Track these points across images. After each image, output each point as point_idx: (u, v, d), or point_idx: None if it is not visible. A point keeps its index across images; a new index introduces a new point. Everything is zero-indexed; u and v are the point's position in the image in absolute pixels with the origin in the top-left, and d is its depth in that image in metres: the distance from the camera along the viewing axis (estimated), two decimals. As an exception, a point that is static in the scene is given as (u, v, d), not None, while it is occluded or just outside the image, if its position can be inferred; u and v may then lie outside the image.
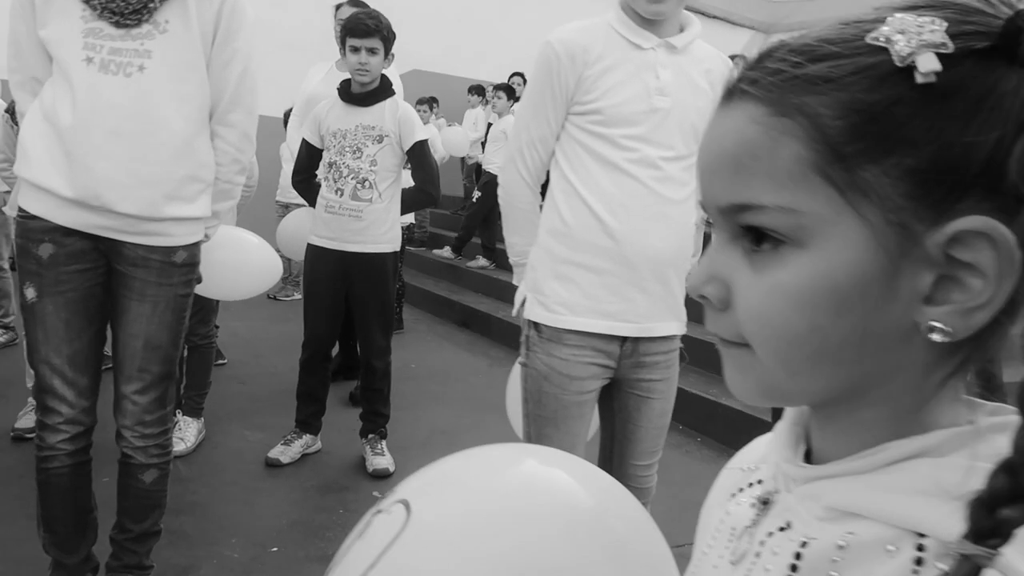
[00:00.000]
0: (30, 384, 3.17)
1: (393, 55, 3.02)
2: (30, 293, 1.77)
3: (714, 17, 11.73)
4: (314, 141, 3.04)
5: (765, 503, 0.52)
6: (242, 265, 2.02)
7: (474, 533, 0.57)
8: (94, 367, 1.86)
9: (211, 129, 1.85)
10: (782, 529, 0.49)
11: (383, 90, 2.98)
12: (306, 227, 3.13)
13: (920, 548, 0.41)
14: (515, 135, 1.69)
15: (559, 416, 1.66)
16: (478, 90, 8.51)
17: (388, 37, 2.94)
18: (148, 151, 1.71)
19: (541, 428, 1.69)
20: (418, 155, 3.00)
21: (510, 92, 7.19)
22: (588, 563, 0.59)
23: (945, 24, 0.40)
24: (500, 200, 1.75)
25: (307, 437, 3.20)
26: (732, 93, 0.45)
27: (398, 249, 3.12)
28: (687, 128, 1.58)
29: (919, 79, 0.39)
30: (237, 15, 1.81)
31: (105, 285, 1.82)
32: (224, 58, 1.81)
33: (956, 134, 0.39)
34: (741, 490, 0.59)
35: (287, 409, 3.31)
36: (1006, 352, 0.43)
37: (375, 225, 2.98)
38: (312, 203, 3.13)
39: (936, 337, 0.41)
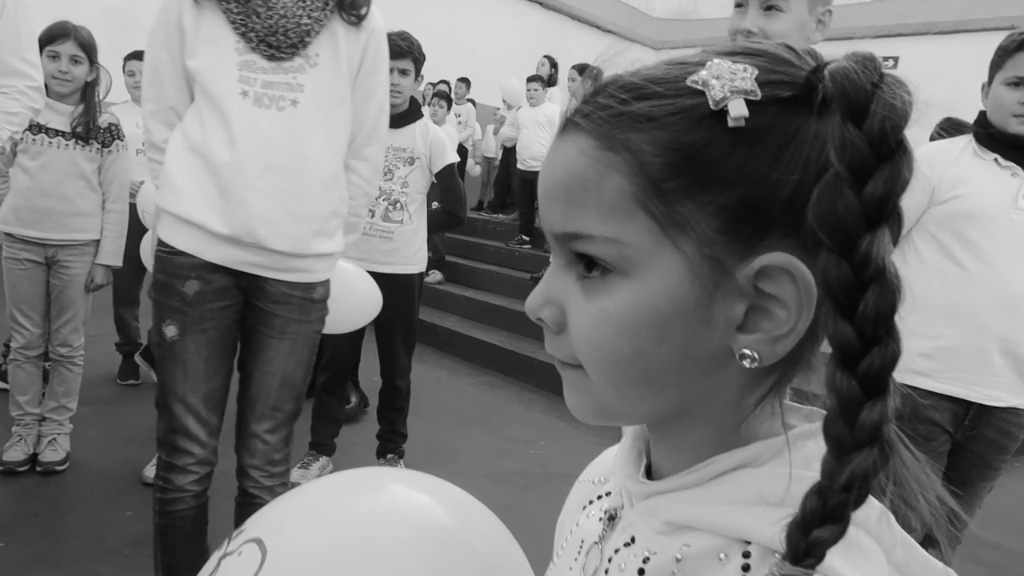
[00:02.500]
0: (15, 413, 2.95)
1: (422, 76, 3.05)
2: (171, 331, 1.70)
3: (608, 31, 12.21)
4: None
5: (612, 519, 0.55)
6: (348, 297, 2.00)
7: (337, 567, 0.55)
8: (223, 406, 1.81)
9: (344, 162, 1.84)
10: (627, 545, 0.51)
11: (413, 112, 3.00)
12: None
13: (746, 555, 0.44)
14: None
15: None
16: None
17: (419, 58, 2.97)
18: (300, 186, 1.69)
19: None
20: (447, 178, 3.04)
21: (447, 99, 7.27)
22: None
23: (756, 72, 0.43)
24: None
25: (323, 459, 3.16)
26: (567, 125, 0.48)
27: (424, 270, 3.14)
28: None
29: (730, 123, 0.42)
30: (382, 49, 1.81)
31: (240, 322, 1.78)
32: (366, 91, 1.80)
33: (761, 176, 0.42)
34: (591, 502, 0.62)
35: (298, 431, 3.24)
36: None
37: (405, 246, 2.99)
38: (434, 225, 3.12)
39: (747, 363, 0.44)
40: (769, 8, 1.55)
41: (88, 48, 2.82)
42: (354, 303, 2.29)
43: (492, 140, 8.67)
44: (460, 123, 8.40)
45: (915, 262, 1.94)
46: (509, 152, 7.93)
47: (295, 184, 1.68)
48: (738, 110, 0.42)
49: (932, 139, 4.71)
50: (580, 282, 0.47)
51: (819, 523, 0.38)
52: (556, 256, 0.49)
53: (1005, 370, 1.85)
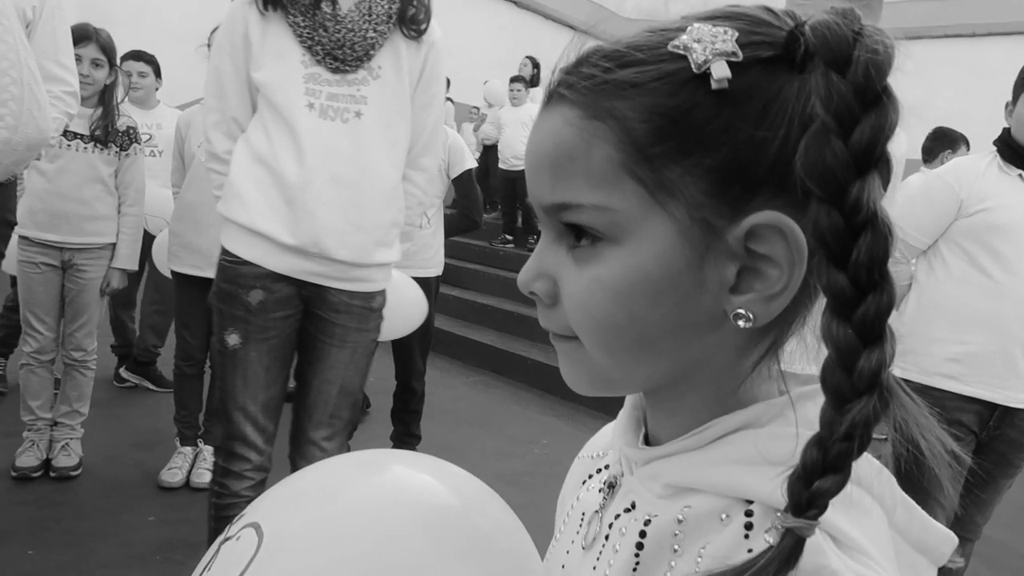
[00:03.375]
0: (26, 418, 2.91)
1: (448, 81, 3.08)
2: (233, 339, 1.72)
3: (578, 31, 12.28)
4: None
5: (612, 487, 0.55)
6: (397, 304, 2.02)
7: (330, 542, 0.55)
8: (280, 413, 1.83)
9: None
10: (627, 510, 0.52)
11: (432, 118, 3.02)
12: None
13: (748, 514, 0.44)
14: None
15: None
16: None
17: None
18: (363, 197, 1.72)
19: None
20: (465, 183, 3.07)
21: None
22: (451, 559, 0.58)
23: (736, 34, 0.43)
24: None
25: (339, 461, 3.17)
26: (551, 96, 0.48)
27: (440, 273, 3.17)
28: None
29: (713, 85, 0.42)
30: (440, 62, 1.84)
31: (299, 331, 1.80)
32: (423, 102, 1.83)
33: (747, 136, 0.42)
34: (591, 476, 0.62)
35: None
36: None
37: (423, 250, 3.02)
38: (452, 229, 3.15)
39: (741, 323, 0.44)
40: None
41: (109, 51, 2.79)
42: (402, 310, 2.32)
43: (472, 138, 8.68)
44: (440, 122, 8.38)
45: (942, 272, 2.04)
46: (488, 150, 7.96)
47: (359, 195, 1.71)
48: (721, 72, 0.42)
49: (923, 148, 4.88)
50: (571, 252, 0.47)
51: (820, 473, 0.38)
52: (546, 228, 0.49)
53: (1028, 374, 1.96)
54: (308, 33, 1.66)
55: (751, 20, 0.44)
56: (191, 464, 3.02)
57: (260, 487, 1.82)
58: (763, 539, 0.42)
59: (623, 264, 0.45)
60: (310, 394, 1.82)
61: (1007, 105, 2.01)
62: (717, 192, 0.43)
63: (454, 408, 4.45)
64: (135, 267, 3.02)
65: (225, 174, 1.77)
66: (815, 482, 0.38)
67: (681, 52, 0.43)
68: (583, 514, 0.58)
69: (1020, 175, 1.97)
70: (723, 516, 0.46)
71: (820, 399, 0.44)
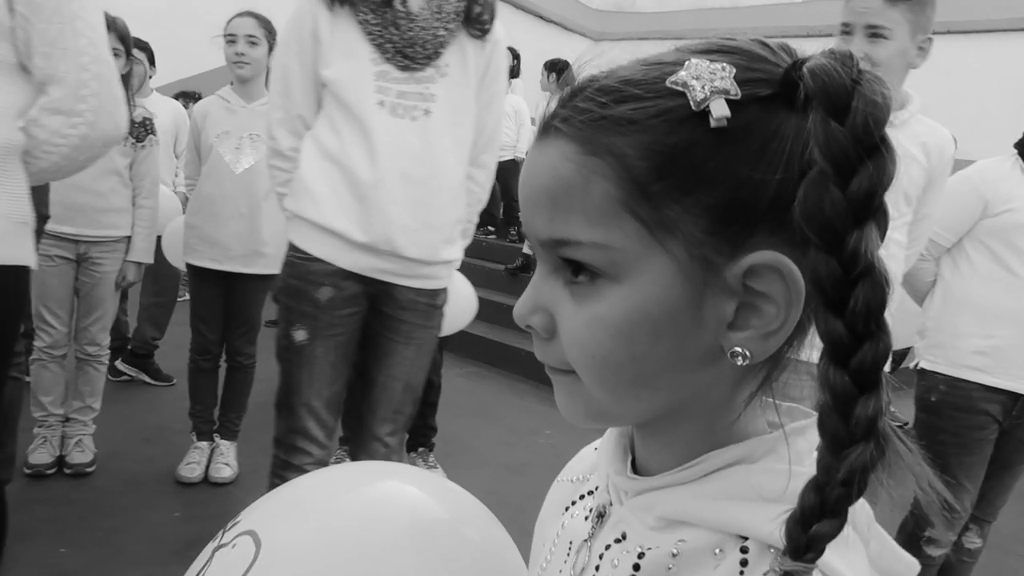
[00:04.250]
0: (38, 414, 2.85)
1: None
2: (300, 335, 1.72)
3: (551, 21, 12.32)
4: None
5: (601, 516, 0.54)
6: (452, 300, 2.03)
7: (331, 557, 0.54)
8: (340, 409, 1.84)
9: None
10: (618, 541, 0.51)
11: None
12: None
13: (744, 551, 0.45)
14: None
15: None
16: None
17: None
18: (432, 195, 1.73)
19: None
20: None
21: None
22: (443, 571, 0.58)
23: (734, 70, 0.42)
24: None
25: (354, 454, 3.18)
26: (547, 129, 0.47)
27: (458, 268, 3.18)
28: (899, 195, 1.88)
29: (712, 123, 0.42)
30: (502, 60, 1.86)
31: (363, 327, 1.81)
32: (486, 100, 1.84)
33: (746, 174, 0.42)
34: (574, 503, 0.61)
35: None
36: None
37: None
38: None
39: (739, 361, 0.44)
40: (875, 35, 1.68)
41: (126, 40, 2.73)
42: (457, 307, 2.33)
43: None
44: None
45: (967, 269, 2.13)
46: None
47: (428, 193, 1.72)
48: (720, 111, 0.42)
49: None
50: (568, 287, 0.47)
51: (818, 518, 0.38)
52: (542, 262, 0.49)
53: (1050, 366, 2.07)
54: (379, 31, 1.67)
55: (747, 55, 0.44)
56: (208, 459, 2.99)
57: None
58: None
59: (624, 303, 0.44)
60: (374, 390, 1.83)
61: None
62: (716, 230, 0.43)
63: (454, 400, 4.46)
64: (151, 260, 2.98)
65: (288, 171, 1.76)
66: (813, 526, 0.38)
67: (679, 89, 0.43)
68: (570, 543, 0.57)
69: None
70: (716, 551, 0.46)
71: (811, 434, 0.46)
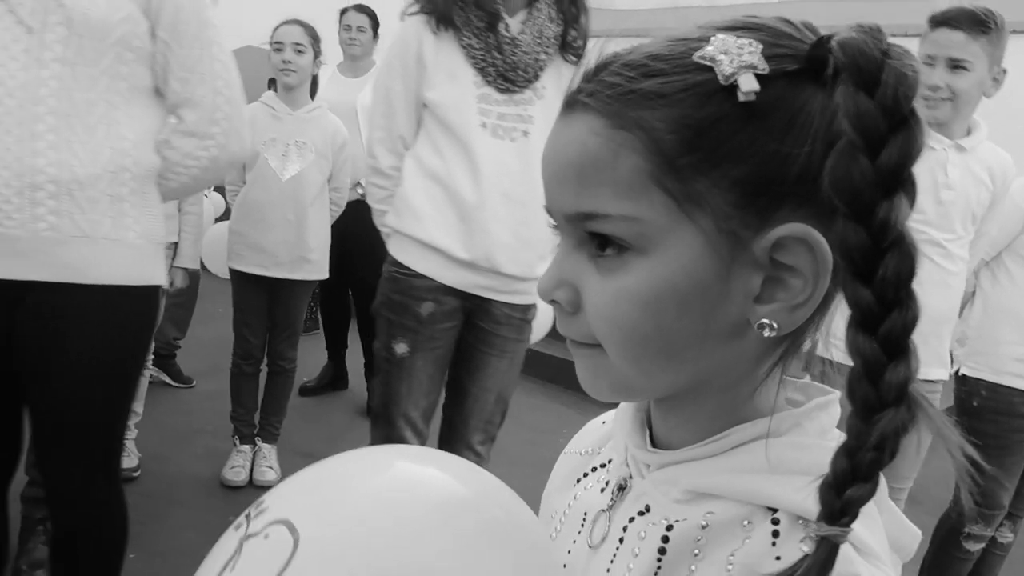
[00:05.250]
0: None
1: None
2: (401, 348, 1.78)
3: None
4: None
5: (622, 488, 0.55)
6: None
7: (370, 548, 0.50)
8: (432, 418, 1.91)
9: None
10: (641, 513, 0.52)
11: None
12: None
13: (775, 522, 0.45)
14: None
15: None
16: None
17: None
18: (531, 215, 1.80)
19: None
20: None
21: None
22: (486, 549, 0.53)
23: (761, 46, 0.43)
24: None
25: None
26: (572, 104, 0.47)
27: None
28: (967, 215, 2.01)
29: (740, 97, 0.42)
30: None
31: (458, 341, 1.87)
32: None
33: (773, 148, 0.42)
34: (585, 475, 0.62)
35: (360, 432, 3.31)
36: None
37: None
38: None
39: (766, 333, 0.45)
40: (957, 67, 1.79)
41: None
42: (539, 319, 2.40)
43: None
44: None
45: (1006, 281, 2.27)
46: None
47: (528, 213, 1.79)
48: (749, 85, 0.42)
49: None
50: (594, 261, 0.47)
51: (851, 482, 0.39)
52: (566, 236, 0.49)
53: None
54: (482, 55, 1.73)
55: (773, 32, 0.45)
56: (251, 462, 3.02)
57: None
58: (796, 548, 0.42)
59: (651, 275, 0.45)
60: (467, 401, 1.90)
61: None
62: (744, 203, 0.43)
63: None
64: (197, 266, 2.99)
65: (387, 188, 1.82)
66: (846, 491, 0.39)
67: (707, 63, 0.43)
68: (584, 514, 0.58)
69: None
70: (745, 523, 0.47)
71: (833, 409, 0.49)
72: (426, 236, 1.74)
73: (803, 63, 0.43)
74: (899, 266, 0.38)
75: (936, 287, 1.99)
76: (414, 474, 0.54)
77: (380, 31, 3.84)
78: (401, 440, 1.84)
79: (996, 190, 2.00)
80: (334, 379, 4.18)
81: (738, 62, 0.42)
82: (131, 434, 2.95)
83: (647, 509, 0.52)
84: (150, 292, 1.46)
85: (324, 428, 3.65)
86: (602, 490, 0.57)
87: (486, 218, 1.74)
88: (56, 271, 1.33)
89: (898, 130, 0.37)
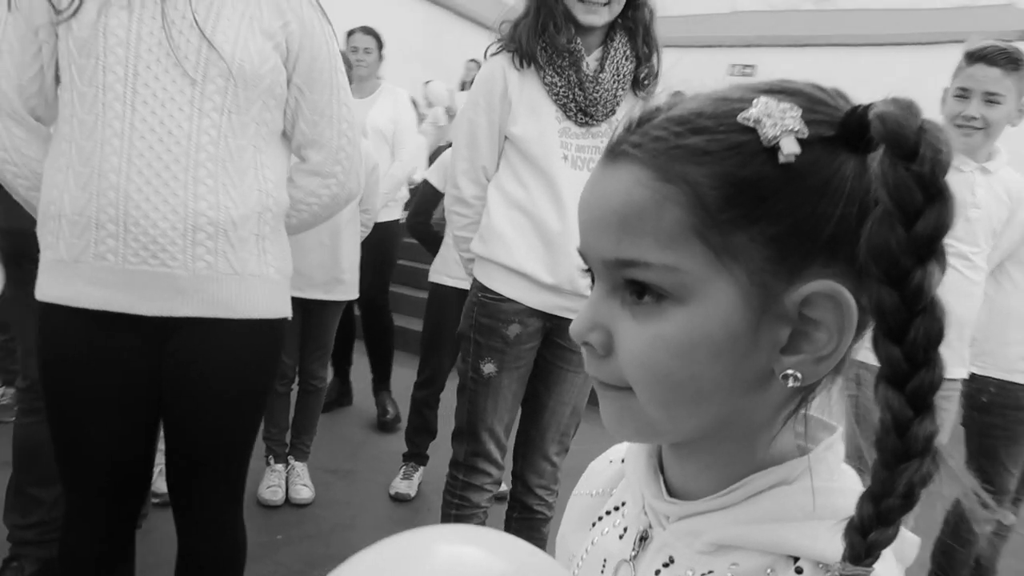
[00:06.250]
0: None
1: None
2: (489, 368, 1.89)
3: (486, 27, 12.49)
4: (440, 185, 3.17)
5: (644, 539, 0.56)
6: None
7: None
8: (511, 433, 2.03)
9: None
10: (666, 565, 0.53)
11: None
12: None
13: (798, 571, 0.47)
14: None
15: None
16: None
17: None
18: None
19: None
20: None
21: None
22: None
23: (800, 111, 0.45)
24: None
25: (421, 468, 3.32)
26: (617, 154, 0.49)
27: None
28: (989, 231, 2.22)
29: (781, 159, 0.44)
30: None
31: (536, 358, 1.99)
32: None
33: (809, 209, 0.44)
34: (601, 518, 0.63)
35: (374, 446, 3.37)
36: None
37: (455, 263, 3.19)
38: (428, 244, 3.26)
39: (790, 383, 0.46)
40: (990, 101, 2.01)
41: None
42: None
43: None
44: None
45: (1009, 286, 2.50)
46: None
47: None
48: (790, 147, 0.44)
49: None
50: (630, 307, 0.48)
51: (875, 526, 0.41)
52: (601, 281, 0.50)
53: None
54: (564, 92, 1.85)
55: (809, 98, 0.47)
56: (286, 481, 3.08)
57: (492, 499, 2.02)
58: None
59: (688, 323, 0.46)
60: (544, 415, 2.01)
61: None
62: (778, 259, 0.45)
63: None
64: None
65: (469, 216, 1.93)
66: (870, 534, 0.41)
67: (751, 125, 0.45)
68: (604, 560, 0.59)
69: None
70: (768, 571, 0.49)
71: (838, 448, 0.52)
72: (513, 263, 1.86)
73: (838, 129, 0.45)
74: (929, 329, 0.40)
75: (961, 295, 2.20)
76: (458, 556, 0.55)
77: (384, 51, 3.96)
78: (486, 453, 1.95)
79: (1013, 208, 2.23)
80: (340, 395, 4.24)
81: (780, 126, 0.44)
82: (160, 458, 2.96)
83: (671, 560, 0.53)
84: (281, 323, 1.55)
85: (342, 443, 3.71)
86: (620, 536, 0.59)
87: (569, 245, 1.86)
88: (210, 307, 1.41)
89: (933, 202, 0.39)
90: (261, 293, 1.47)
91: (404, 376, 4.38)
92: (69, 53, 1.34)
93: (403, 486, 3.20)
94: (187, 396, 1.46)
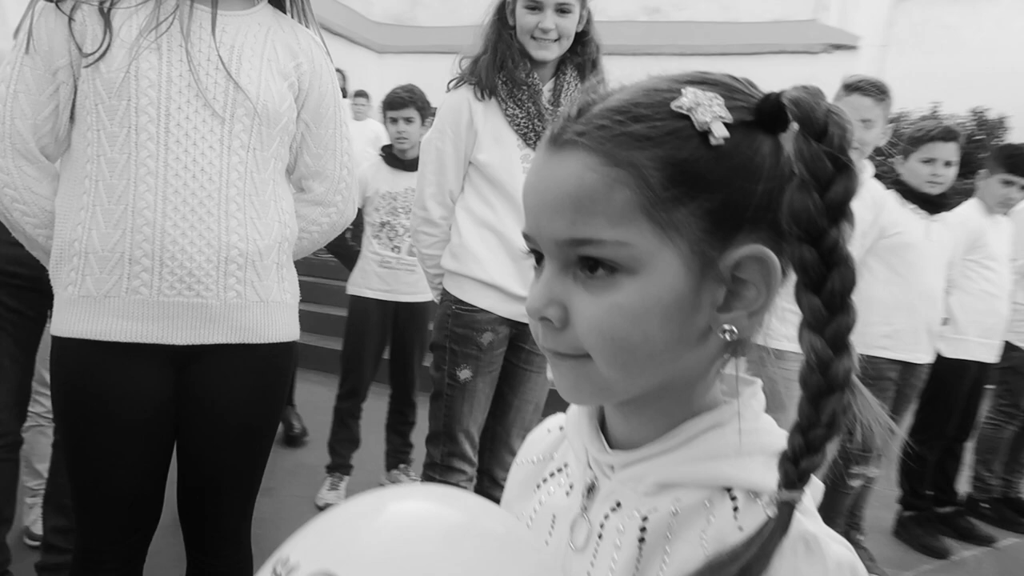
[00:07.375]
0: (32, 483, 2.75)
1: (431, 119, 3.42)
2: (465, 373, 2.05)
3: (336, 33, 12.37)
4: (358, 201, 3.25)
5: (591, 490, 0.61)
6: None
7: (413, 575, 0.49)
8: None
9: None
10: (614, 509, 0.59)
11: (423, 155, 3.36)
12: None
13: (733, 499, 0.54)
14: None
15: None
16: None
17: (422, 107, 3.33)
18: None
19: None
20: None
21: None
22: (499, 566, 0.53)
23: (722, 99, 0.51)
24: None
25: (346, 478, 3.38)
26: (562, 142, 0.53)
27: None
28: (859, 231, 2.64)
29: (713, 142, 0.50)
30: None
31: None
32: None
33: (737, 184, 0.50)
34: (545, 480, 0.68)
35: (287, 461, 3.39)
36: None
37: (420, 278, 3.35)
38: (346, 260, 3.33)
39: (727, 337, 0.53)
40: (863, 125, 2.41)
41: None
42: None
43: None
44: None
45: (868, 276, 2.96)
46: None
47: None
48: (720, 132, 0.50)
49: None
50: (583, 282, 0.53)
51: (804, 455, 0.47)
52: (553, 260, 0.55)
53: (926, 341, 2.96)
54: (525, 123, 2.03)
55: (727, 87, 0.53)
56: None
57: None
58: (754, 517, 0.50)
59: (640, 291, 0.51)
60: (510, 413, 2.20)
61: (897, 153, 2.97)
62: (713, 229, 0.51)
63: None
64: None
65: (436, 235, 2.08)
66: (802, 462, 0.47)
67: (684, 112, 0.51)
68: (553, 515, 0.64)
69: (913, 209, 2.95)
70: (706, 503, 0.54)
71: (759, 396, 0.58)
72: (486, 276, 2.03)
73: (754, 114, 0.52)
74: (844, 280, 0.46)
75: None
76: (414, 509, 0.55)
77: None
78: (461, 453, 2.10)
79: (876, 211, 2.68)
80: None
81: (711, 113, 0.50)
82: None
83: (618, 505, 0.59)
84: (295, 344, 1.63)
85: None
86: (567, 493, 0.64)
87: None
88: (238, 333, 1.47)
89: (842, 172, 0.46)
90: (282, 318, 1.55)
91: (316, 392, 4.40)
92: (96, 94, 1.36)
93: (331, 496, 3.26)
94: (209, 420, 1.51)
